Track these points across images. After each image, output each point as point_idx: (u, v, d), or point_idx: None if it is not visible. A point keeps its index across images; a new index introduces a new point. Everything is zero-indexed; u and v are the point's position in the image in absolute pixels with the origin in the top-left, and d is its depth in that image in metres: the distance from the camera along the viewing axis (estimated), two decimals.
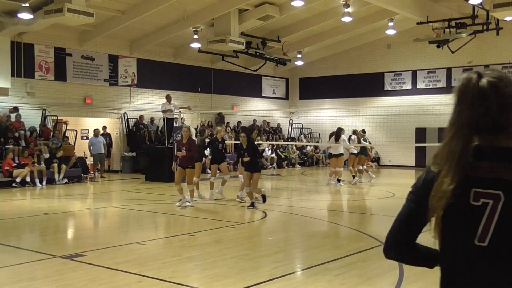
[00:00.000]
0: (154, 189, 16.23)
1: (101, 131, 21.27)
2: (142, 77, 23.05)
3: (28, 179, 16.63)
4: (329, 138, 17.64)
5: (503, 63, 23.78)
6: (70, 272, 6.33)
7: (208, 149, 15.22)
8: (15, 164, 16.76)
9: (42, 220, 10.78)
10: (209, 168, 14.90)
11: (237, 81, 27.07)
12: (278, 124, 28.70)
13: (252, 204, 11.84)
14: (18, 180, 16.44)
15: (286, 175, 22.58)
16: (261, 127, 27.01)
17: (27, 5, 16.28)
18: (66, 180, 17.83)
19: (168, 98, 19.81)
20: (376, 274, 6.33)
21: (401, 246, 1.93)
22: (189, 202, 11.91)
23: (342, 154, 17.11)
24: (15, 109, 18.61)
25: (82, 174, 18.76)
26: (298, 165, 26.33)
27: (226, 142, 24.14)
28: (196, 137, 14.07)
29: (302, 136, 28.78)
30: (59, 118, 20.54)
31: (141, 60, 23.06)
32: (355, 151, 17.40)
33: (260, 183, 12.87)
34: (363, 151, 18.04)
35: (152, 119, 23.03)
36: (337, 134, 16.89)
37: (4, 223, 10.35)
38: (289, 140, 27.85)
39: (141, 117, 22.65)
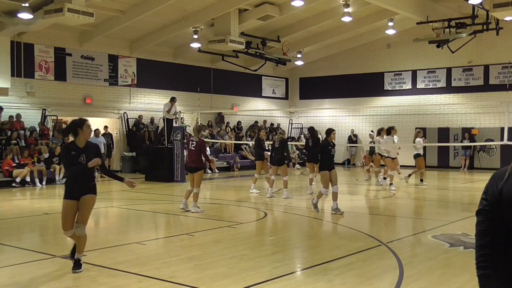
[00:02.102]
0: (154, 189, 16.23)
1: (103, 131, 21.27)
2: (142, 77, 23.06)
3: (28, 179, 16.64)
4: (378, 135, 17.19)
5: (503, 63, 23.79)
6: (70, 272, 6.33)
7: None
8: (15, 164, 16.77)
9: (42, 220, 10.78)
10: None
11: (237, 81, 27.07)
12: (278, 124, 28.70)
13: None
14: (18, 180, 16.45)
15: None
16: (262, 127, 27.00)
17: (27, 5, 16.28)
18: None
19: (173, 100, 19.71)
20: (376, 274, 6.32)
21: (498, 271, 1.71)
22: (198, 207, 11.33)
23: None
24: None
25: None
26: (298, 165, 26.32)
27: (226, 142, 24.25)
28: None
29: (302, 136, 28.76)
30: (59, 118, 20.54)
31: (141, 60, 23.06)
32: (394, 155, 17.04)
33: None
34: (372, 150, 18.27)
35: (152, 119, 23.04)
36: (388, 131, 16.65)
37: (4, 223, 10.35)
38: (289, 140, 27.80)
39: (140, 116, 22.64)
